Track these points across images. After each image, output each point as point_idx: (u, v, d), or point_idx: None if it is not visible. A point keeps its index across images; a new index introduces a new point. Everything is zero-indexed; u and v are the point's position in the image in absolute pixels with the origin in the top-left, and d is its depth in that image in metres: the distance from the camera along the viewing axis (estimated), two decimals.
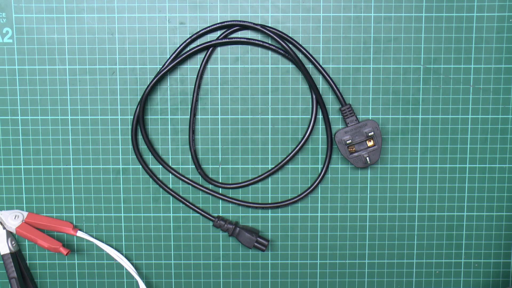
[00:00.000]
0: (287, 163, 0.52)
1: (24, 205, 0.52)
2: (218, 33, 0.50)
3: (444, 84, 0.51)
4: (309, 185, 0.52)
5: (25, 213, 0.51)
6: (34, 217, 0.51)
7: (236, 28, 0.49)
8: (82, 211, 0.52)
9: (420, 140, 0.51)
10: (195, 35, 0.49)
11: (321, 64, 0.50)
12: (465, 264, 0.54)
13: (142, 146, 0.51)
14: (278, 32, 0.49)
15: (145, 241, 0.53)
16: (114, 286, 0.54)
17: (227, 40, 0.49)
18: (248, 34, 0.50)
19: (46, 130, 0.51)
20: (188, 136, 0.51)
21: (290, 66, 0.50)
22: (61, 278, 0.53)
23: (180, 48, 0.49)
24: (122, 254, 0.53)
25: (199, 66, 0.50)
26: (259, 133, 0.51)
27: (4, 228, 0.51)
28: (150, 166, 0.52)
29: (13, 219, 0.51)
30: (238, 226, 0.51)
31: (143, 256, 0.53)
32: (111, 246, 0.53)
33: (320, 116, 0.51)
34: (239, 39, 0.49)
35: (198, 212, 0.52)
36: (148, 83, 0.50)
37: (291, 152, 0.51)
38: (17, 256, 0.51)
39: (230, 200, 0.52)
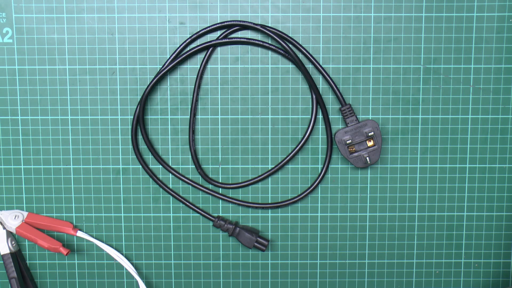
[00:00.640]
0: (287, 163, 0.52)
1: (24, 205, 0.52)
2: (218, 33, 0.50)
3: (444, 84, 0.51)
4: (309, 185, 0.52)
5: (25, 213, 0.51)
6: (34, 217, 0.51)
7: (236, 28, 0.49)
8: (82, 211, 0.52)
9: (420, 140, 0.51)
10: (195, 35, 0.49)
11: (321, 64, 0.50)
12: (465, 264, 0.53)
13: (142, 146, 0.51)
14: (278, 32, 0.49)
15: (145, 241, 0.53)
16: (114, 286, 0.54)
17: (227, 40, 0.49)
18: (248, 34, 0.50)
19: (46, 130, 0.51)
20: (188, 136, 0.51)
21: (290, 66, 0.50)
22: (61, 278, 0.53)
23: (180, 48, 0.49)
24: (122, 254, 0.53)
25: (199, 66, 0.50)
26: (259, 133, 0.51)
27: (4, 228, 0.51)
28: (150, 166, 0.52)
29: (13, 219, 0.51)
30: (238, 226, 0.51)
31: (143, 256, 0.53)
32: (111, 246, 0.53)
33: (320, 116, 0.51)
34: (239, 39, 0.49)
35: (198, 212, 0.52)
36: (148, 83, 0.50)
37: (291, 152, 0.51)
38: (17, 256, 0.51)
39: (230, 200, 0.52)
